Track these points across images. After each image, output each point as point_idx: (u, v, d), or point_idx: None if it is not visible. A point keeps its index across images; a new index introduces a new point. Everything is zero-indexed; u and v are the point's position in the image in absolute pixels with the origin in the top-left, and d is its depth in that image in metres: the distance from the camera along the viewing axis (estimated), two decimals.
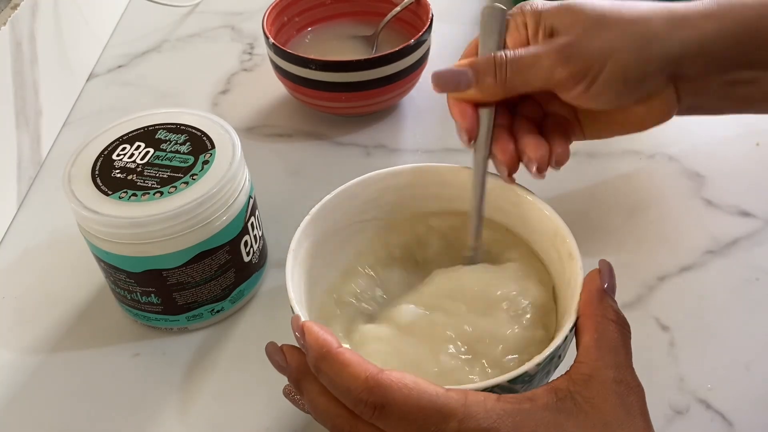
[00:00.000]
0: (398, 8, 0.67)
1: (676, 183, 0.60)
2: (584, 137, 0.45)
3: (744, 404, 0.44)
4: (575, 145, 0.63)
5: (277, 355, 0.37)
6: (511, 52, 0.41)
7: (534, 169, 0.41)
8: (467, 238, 0.43)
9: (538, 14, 0.41)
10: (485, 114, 0.42)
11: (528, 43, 0.42)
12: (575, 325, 0.36)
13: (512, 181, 0.42)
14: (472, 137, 0.42)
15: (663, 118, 0.43)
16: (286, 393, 0.39)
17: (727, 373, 0.46)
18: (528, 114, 0.44)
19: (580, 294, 0.36)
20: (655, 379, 0.44)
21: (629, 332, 0.35)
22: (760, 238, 0.55)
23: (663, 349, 0.47)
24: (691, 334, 0.48)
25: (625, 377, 0.33)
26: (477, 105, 0.42)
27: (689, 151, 0.62)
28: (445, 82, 0.41)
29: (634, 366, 0.34)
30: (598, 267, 0.37)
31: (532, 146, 0.41)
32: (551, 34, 0.41)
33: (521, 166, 0.42)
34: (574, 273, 0.38)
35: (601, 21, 0.40)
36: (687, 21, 0.40)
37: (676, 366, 0.46)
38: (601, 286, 0.36)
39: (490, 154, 0.42)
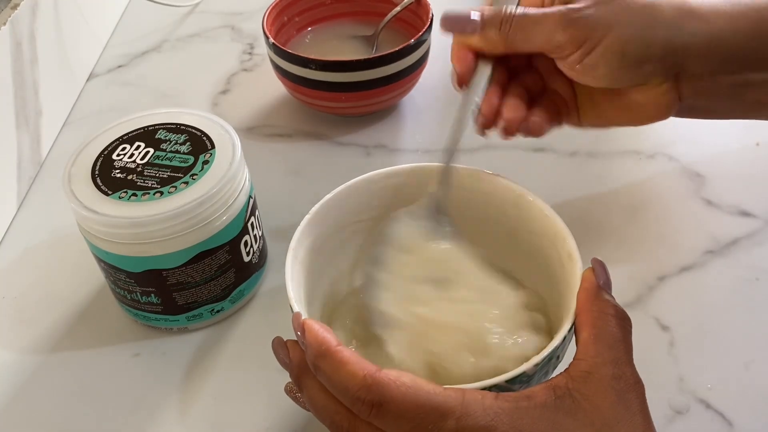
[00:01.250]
0: (398, 8, 0.67)
1: (676, 183, 0.60)
2: (579, 123, 0.46)
3: (744, 404, 0.44)
4: (576, 145, 0.63)
5: (282, 349, 0.37)
6: (522, 9, 0.41)
7: (501, 127, 0.42)
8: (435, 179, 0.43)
9: None
10: (484, 65, 0.42)
11: (543, 6, 0.42)
12: (574, 325, 0.36)
13: (484, 134, 0.43)
14: (462, 82, 0.42)
15: (661, 113, 0.43)
16: (288, 391, 0.39)
17: (727, 373, 0.46)
18: (526, 83, 0.44)
19: (577, 293, 0.36)
20: (655, 379, 0.44)
21: (630, 325, 0.35)
22: (760, 238, 0.55)
23: (663, 349, 0.47)
24: (691, 334, 0.48)
25: (624, 373, 0.32)
26: (478, 56, 0.42)
27: (689, 151, 0.62)
28: (452, 23, 0.42)
29: (635, 365, 0.34)
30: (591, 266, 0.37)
31: (511, 107, 0.42)
32: (567, 1, 0.41)
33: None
34: (573, 274, 0.38)
35: None
36: (699, 14, 0.40)
37: (676, 366, 0.46)
38: (597, 283, 0.36)
39: (477, 108, 0.43)
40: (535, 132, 0.43)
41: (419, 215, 0.43)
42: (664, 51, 0.40)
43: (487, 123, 0.43)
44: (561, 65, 0.41)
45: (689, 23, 0.39)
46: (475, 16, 0.41)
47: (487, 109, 0.42)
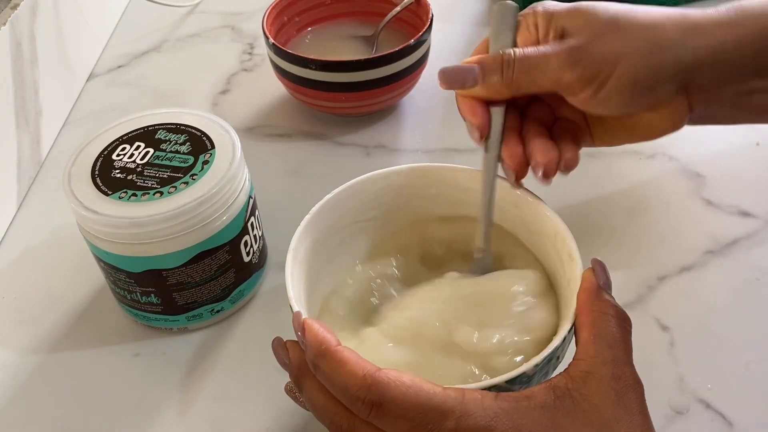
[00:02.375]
0: (398, 8, 0.67)
1: (676, 183, 0.60)
2: (593, 144, 0.45)
3: (744, 404, 0.44)
4: None
5: (281, 350, 0.37)
6: (520, 50, 0.40)
7: (540, 173, 0.41)
8: (476, 241, 0.43)
9: (550, 15, 0.41)
10: (496, 113, 0.41)
11: (538, 44, 0.41)
12: (574, 325, 0.36)
13: (520, 186, 0.42)
14: (484, 134, 0.41)
15: (673, 127, 0.42)
16: (288, 390, 0.39)
17: (727, 373, 0.46)
18: (538, 117, 0.43)
19: (577, 293, 0.36)
20: (655, 379, 0.44)
21: (630, 326, 0.35)
22: (760, 238, 0.55)
23: (663, 349, 0.47)
24: (691, 334, 0.48)
25: (623, 373, 0.33)
26: (487, 103, 0.42)
27: (689, 151, 0.62)
28: (452, 78, 0.41)
29: (635, 365, 0.34)
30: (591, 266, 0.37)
31: (541, 150, 0.41)
32: (562, 35, 0.40)
33: (529, 171, 0.42)
34: (573, 274, 0.38)
35: (613, 25, 0.39)
36: (701, 28, 0.39)
37: (676, 366, 0.46)
38: (597, 283, 0.36)
39: (499, 156, 0.42)
40: (573, 167, 0.42)
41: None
42: (673, 71, 0.39)
43: (519, 174, 0.41)
44: (571, 100, 0.41)
45: (694, 40, 0.39)
46: (473, 66, 0.40)
47: (514, 161, 0.41)
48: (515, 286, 0.40)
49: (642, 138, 0.44)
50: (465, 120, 0.42)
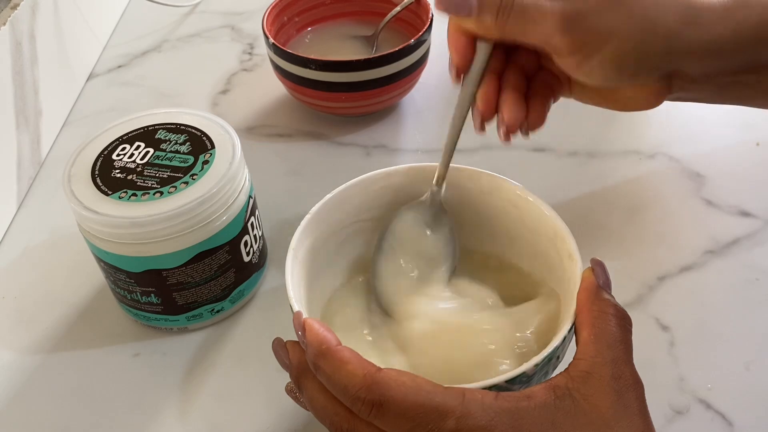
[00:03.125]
0: (398, 8, 0.67)
1: (676, 183, 0.60)
2: (570, 95, 0.45)
3: (744, 404, 0.44)
4: (576, 145, 0.63)
5: (282, 350, 0.37)
6: None
7: (502, 131, 0.41)
8: (434, 178, 0.43)
9: None
10: (482, 50, 0.41)
11: None
12: (574, 324, 0.36)
13: (482, 131, 0.42)
14: (461, 72, 0.41)
15: (649, 104, 0.42)
16: (288, 391, 0.39)
17: (727, 373, 0.46)
18: (522, 63, 0.43)
19: (577, 293, 0.36)
20: (655, 379, 0.44)
21: (630, 325, 0.35)
22: (760, 238, 0.55)
23: (663, 349, 0.47)
24: (691, 334, 0.48)
25: (623, 373, 0.32)
26: (475, 41, 0.41)
27: (689, 151, 0.62)
28: (447, 2, 0.40)
29: (635, 365, 0.34)
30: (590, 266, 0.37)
31: (509, 107, 0.41)
32: None
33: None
34: (573, 274, 0.38)
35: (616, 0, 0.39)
36: (702, 19, 0.39)
37: (676, 366, 0.46)
38: (597, 282, 0.36)
39: (474, 95, 0.42)
40: (535, 128, 0.42)
41: (420, 209, 0.43)
42: (661, 59, 0.39)
43: (485, 119, 0.42)
44: (556, 61, 0.41)
45: (690, 30, 0.39)
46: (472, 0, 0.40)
47: (485, 105, 0.41)
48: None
49: (616, 108, 0.44)
50: (449, 55, 0.42)
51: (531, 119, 0.41)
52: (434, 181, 0.43)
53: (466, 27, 0.41)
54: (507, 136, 0.41)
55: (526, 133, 0.42)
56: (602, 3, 0.39)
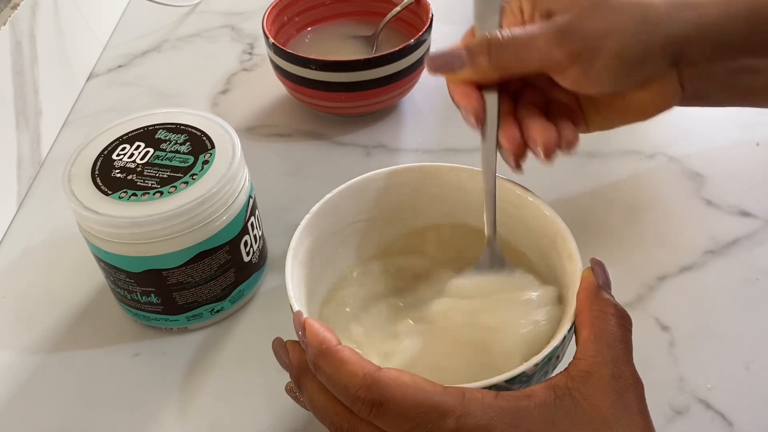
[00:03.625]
0: (398, 8, 0.67)
1: (676, 183, 0.60)
2: (587, 129, 0.44)
3: (744, 404, 0.44)
4: None
5: (282, 350, 0.37)
6: (507, 31, 0.39)
7: (541, 153, 0.40)
8: (486, 230, 0.42)
9: None
10: (489, 97, 0.41)
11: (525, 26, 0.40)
12: (574, 324, 0.36)
13: (520, 169, 0.41)
14: (479, 117, 0.40)
15: (666, 105, 0.41)
16: (288, 390, 0.39)
17: (727, 373, 0.46)
18: (531, 101, 0.43)
19: (577, 293, 0.36)
20: (655, 379, 0.44)
21: (630, 324, 0.35)
22: (760, 238, 0.55)
23: (663, 349, 0.47)
24: (691, 334, 0.48)
25: (623, 372, 0.32)
26: (480, 88, 0.41)
27: (689, 151, 0.62)
28: (438, 63, 0.40)
29: (635, 365, 0.34)
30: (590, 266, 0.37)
31: (538, 129, 0.40)
32: (548, 16, 0.40)
33: (530, 154, 0.41)
34: (574, 274, 0.38)
35: (599, 1, 0.39)
36: (692, 4, 0.39)
37: (676, 366, 0.46)
38: (597, 282, 0.36)
39: (497, 141, 0.41)
40: (574, 145, 0.41)
41: (481, 267, 0.43)
42: (663, 46, 0.39)
43: (518, 156, 0.41)
44: (560, 80, 0.40)
45: (684, 14, 0.39)
46: (459, 50, 0.40)
47: (512, 143, 0.40)
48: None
49: (635, 118, 0.43)
50: (458, 107, 0.41)
51: (566, 136, 0.41)
52: (488, 233, 0.42)
53: (464, 79, 0.40)
54: (547, 154, 0.40)
55: (566, 149, 0.41)
56: (587, 8, 0.39)
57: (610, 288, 0.36)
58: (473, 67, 0.40)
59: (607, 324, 0.34)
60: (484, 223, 0.42)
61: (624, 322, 0.34)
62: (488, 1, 0.42)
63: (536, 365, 0.34)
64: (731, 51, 0.39)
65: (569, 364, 0.33)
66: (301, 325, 0.34)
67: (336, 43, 0.70)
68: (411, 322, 0.42)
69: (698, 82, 0.41)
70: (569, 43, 0.38)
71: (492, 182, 0.41)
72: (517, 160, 0.41)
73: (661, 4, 0.39)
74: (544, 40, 0.39)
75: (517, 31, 0.39)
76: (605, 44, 0.38)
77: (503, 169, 0.45)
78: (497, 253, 0.43)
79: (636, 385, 0.33)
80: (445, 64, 0.40)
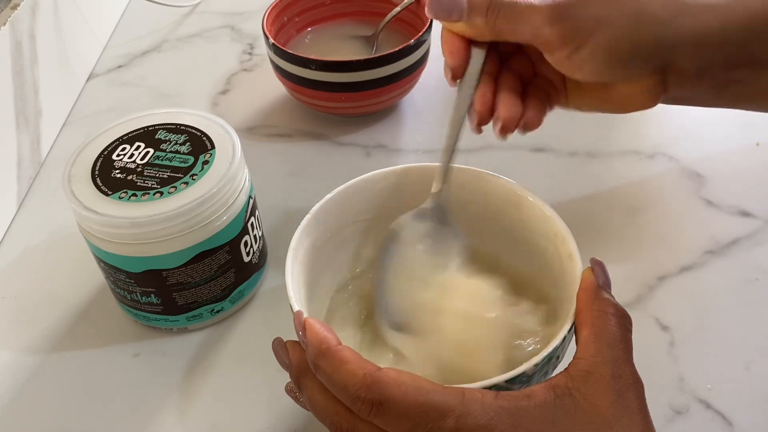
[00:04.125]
0: (398, 8, 0.67)
1: (676, 183, 0.60)
2: (567, 105, 0.45)
3: (744, 404, 0.44)
4: (576, 145, 0.63)
5: (282, 350, 0.37)
6: None
7: (498, 127, 0.41)
8: (434, 182, 0.43)
9: None
10: (476, 54, 0.41)
11: None
12: (574, 324, 0.36)
13: (479, 131, 0.42)
14: (457, 76, 0.41)
15: (646, 104, 0.42)
16: (288, 390, 0.39)
17: (727, 373, 0.46)
18: (517, 69, 0.43)
19: (577, 293, 0.36)
20: (655, 379, 0.44)
21: (630, 324, 0.35)
22: (760, 238, 0.55)
23: (663, 349, 0.47)
24: (691, 334, 0.48)
25: (623, 372, 0.32)
26: (470, 44, 0.41)
27: (689, 151, 0.62)
28: (438, 7, 0.41)
29: (635, 365, 0.34)
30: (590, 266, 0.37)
31: (506, 105, 0.41)
32: None
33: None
34: (573, 274, 0.38)
35: None
36: (689, 10, 0.39)
37: (676, 366, 0.46)
38: (596, 282, 0.36)
39: (472, 97, 0.42)
40: (532, 127, 0.42)
41: (424, 217, 0.43)
42: (651, 49, 0.39)
43: (482, 120, 0.42)
44: (548, 58, 0.41)
45: (678, 20, 0.39)
46: (462, 2, 0.40)
47: (482, 107, 0.42)
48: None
49: (614, 109, 0.43)
50: (444, 59, 0.42)
51: (528, 118, 0.42)
52: (435, 185, 0.43)
53: (458, 30, 0.41)
54: (503, 131, 0.41)
55: (522, 130, 0.42)
56: (603, 9, 0.39)
57: (610, 288, 0.36)
58: (469, 21, 0.40)
59: (607, 324, 0.34)
60: (437, 175, 0.42)
61: (624, 321, 0.34)
62: None
63: (536, 365, 0.34)
64: (723, 62, 0.39)
65: (569, 364, 0.33)
66: (301, 325, 0.34)
67: (336, 44, 0.70)
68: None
69: (683, 88, 0.41)
70: (561, 23, 0.39)
71: (455, 135, 0.42)
72: (480, 123, 0.42)
73: (659, 6, 0.39)
74: (539, 15, 0.39)
75: (519, 0, 0.39)
76: (594, 35, 0.38)
77: (503, 168, 0.46)
78: (443, 207, 0.43)
79: (636, 385, 0.33)
80: (443, 10, 0.41)
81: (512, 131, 0.42)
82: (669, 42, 0.39)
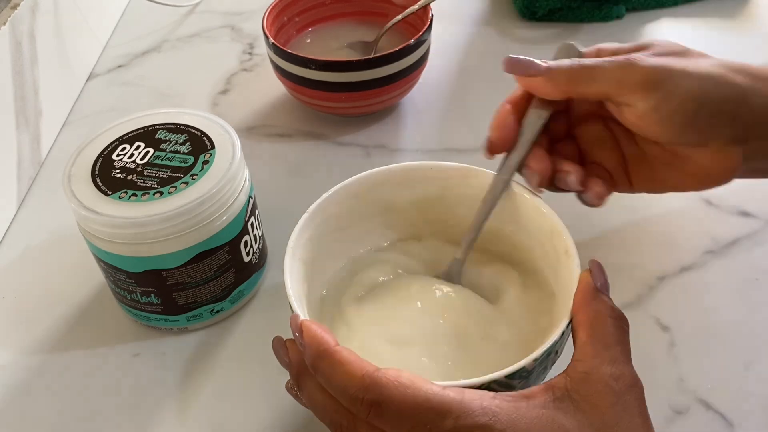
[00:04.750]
0: (399, 17, 0.67)
1: None
2: (631, 188, 0.44)
3: (744, 404, 0.44)
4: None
5: (282, 349, 0.37)
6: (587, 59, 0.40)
7: (571, 179, 0.41)
8: (458, 251, 0.44)
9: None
10: (535, 118, 0.41)
11: None
12: (571, 323, 0.36)
13: (539, 191, 0.42)
14: (495, 151, 0.42)
15: (724, 176, 0.41)
16: (289, 388, 0.39)
17: (727, 373, 0.46)
18: (567, 155, 0.43)
19: (574, 294, 0.36)
20: (655, 379, 0.44)
21: (627, 326, 0.35)
22: (760, 238, 0.55)
23: (663, 349, 0.47)
24: (691, 334, 0.48)
25: (622, 373, 0.33)
26: (521, 120, 0.42)
27: None
28: (517, 63, 0.40)
29: (635, 366, 0.34)
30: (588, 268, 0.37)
31: (571, 166, 0.41)
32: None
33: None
34: (570, 270, 0.38)
35: (687, 51, 0.40)
36: (765, 77, 0.39)
37: (676, 366, 0.46)
38: (594, 284, 0.36)
39: (520, 165, 0.42)
40: (599, 200, 0.42)
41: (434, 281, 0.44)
42: (736, 110, 0.38)
43: (543, 180, 0.41)
44: (625, 113, 0.40)
45: (759, 85, 0.38)
46: (540, 61, 0.40)
47: (540, 167, 0.41)
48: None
49: (689, 186, 0.42)
50: (490, 132, 0.42)
51: (598, 192, 0.42)
52: (461, 253, 0.44)
53: (531, 85, 0.41)
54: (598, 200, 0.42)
55: (590, 202, 0.42)
56: (679, 51, 0.38)
57: (608, 290, 0.36)
58: (549, 75, 0.40)
59: (604, 325, 0.34)
60: (462, 245, 0.44)
61: (621, 323, 0.34)
62: (567, 54, 0.42)
63: (536, 360, 0.34)
64: None
65: (568, 366, 0.34)
66: (298, 327, 0.34)
67: (336, 44, 0.70)
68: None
69: (765, 158, 0.40)
70: (650, 71, 0.38)
71: (486, 213, 0.43)
72: (541, 182, 0.41)
73: (738, 74, 0.38)
74: (625, 63, 0.38)
75: (597, 59, 0.39)
76: (684, 83, 0.37)
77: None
78: (456, 276, 0.44)
79: (635, 386, 0.33)
80: (523, 65, 0.40)
81: (584, 189, 0.42)
82: (751, 106, 0.38)
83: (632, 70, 0.38)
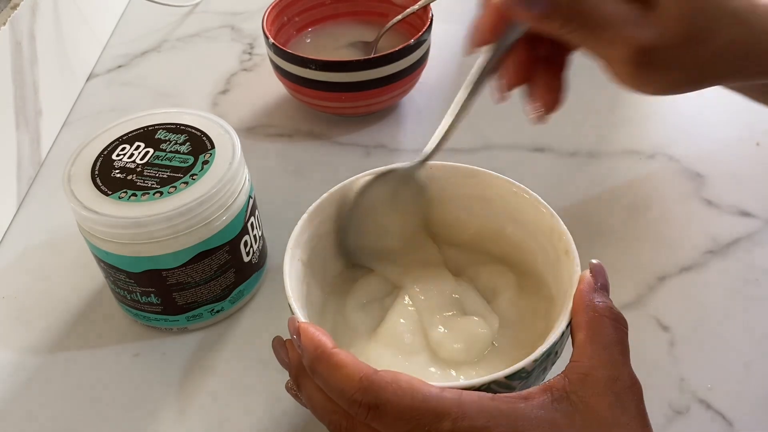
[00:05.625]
0: (399, 17, 0.67)
1: (676, 183, 0.60)
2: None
3: (744, 404, 0.44)
4: (576, 145, 0.63)
5: (281, 349, 0.37)
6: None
7: (538, 112, 0.39)
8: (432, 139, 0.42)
9: None
10: (519, 28, 0.37)
11: None
12: (570, 324, 0.36)
13: (503, 100, 0.40)
14: (481, 44, 0.38)
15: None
16: (288, 388, 0.39)
17: (727, 373, 0.46)
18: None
19: (574, 295, 0.36)
20: (655, 379, 0.44)
21: (626, 327, 0.35)
22: (760, 238, 0.55)
23: (663, 349, 0.47)
24: (691, 334, 0.48)
25: (621, 375, 0.32)
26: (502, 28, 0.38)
27: (689, 151, 0.62)
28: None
29: (635, 366, 0.34)
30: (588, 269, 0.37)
31: (548, 86, 0.38)
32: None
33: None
34: (570, 270, 0.38)
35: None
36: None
37: (676, 366, 0.46)
38: (593, 285, 0.36)
39: (496, 69, 0.39)
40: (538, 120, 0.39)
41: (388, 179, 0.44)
42: (711, 82, 0.37)
43: (511, 87, 0.39)
44: (612, 66, 0.36)
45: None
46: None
47: (515, 75, 0.39)
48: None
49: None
50: (473, 27, 0.38)
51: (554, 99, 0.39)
52: (423, 156, 0.42)
53: (519, 18, 0.37)
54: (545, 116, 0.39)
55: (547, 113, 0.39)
56: (678, 39, 0.35)
57: (608, 291, 0.36)
58: (544, 21, 0.35)
59: (602, 326, 0.34)
60: (437, 132, 0.41)
61: (619, 324, 0.34)
62: None
63: (535, 361, 0.34)
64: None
65: (566, 367, 0.33)
66: (295, 330, 0.34)
67: (336, 44, 0.70)
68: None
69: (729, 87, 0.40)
70: (642, 66, 0.35)
71: (471, 95, 0.40)
72: (509, 90, 0.39)
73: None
74: (621, 51, 0.35)
75: (604, 20, 0.35)
76: (667, 75, 0.35)
77: (503, 167, 0.45)
78: (419, 178, 0.43)
79: (634, 387, 0.33)
80: (519, 2, 0.35)
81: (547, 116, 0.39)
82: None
83: (625, 62, 0.35)
